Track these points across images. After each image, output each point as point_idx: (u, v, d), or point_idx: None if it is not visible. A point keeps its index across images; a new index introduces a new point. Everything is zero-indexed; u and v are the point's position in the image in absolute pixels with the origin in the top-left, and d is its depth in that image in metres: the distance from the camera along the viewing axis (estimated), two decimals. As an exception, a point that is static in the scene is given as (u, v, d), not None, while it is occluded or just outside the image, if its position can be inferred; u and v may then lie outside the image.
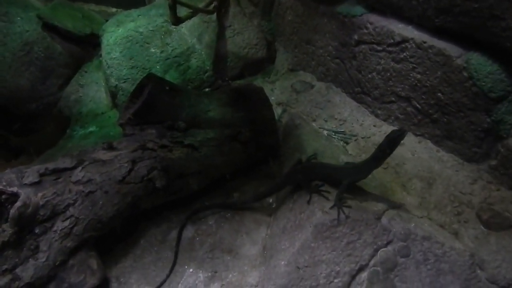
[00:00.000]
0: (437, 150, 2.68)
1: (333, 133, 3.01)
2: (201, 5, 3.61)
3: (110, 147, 2.45)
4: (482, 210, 2.27)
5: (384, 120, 2.98)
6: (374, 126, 3.01)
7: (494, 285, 1.95)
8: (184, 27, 3.76)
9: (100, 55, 3.88)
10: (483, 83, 2.24)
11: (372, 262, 1.99)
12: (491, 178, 2.43)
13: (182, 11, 3.43)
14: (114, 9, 4.79)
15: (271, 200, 2.62)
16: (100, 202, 2.21)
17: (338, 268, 1.97)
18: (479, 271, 1.99)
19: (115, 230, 2.31)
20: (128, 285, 2.18)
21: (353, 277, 1.97)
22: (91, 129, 3.61)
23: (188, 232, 2.47)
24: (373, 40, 2.83)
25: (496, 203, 2.30)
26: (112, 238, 2.35)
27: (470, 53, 2.32)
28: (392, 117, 2.91)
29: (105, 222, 2.21)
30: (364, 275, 1.97)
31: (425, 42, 2.48)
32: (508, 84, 2.18)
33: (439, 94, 2.50)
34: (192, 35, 3.74)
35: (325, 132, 3.02)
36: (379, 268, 1.97)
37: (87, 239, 2.15)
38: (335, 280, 1.95)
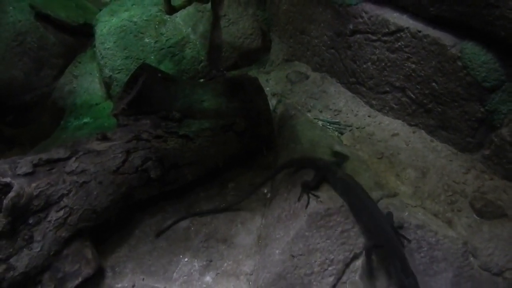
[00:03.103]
0: (431, 140, 2.69)
1: (328, 124, 3.01)
2: (195, -6, 3.58)
3: (104, 138, 2.44)
4: (475, 199, 2.28)
5: (379, 111, 2.98)
6: (368, 116, 3.01)
7: (487, 272, 1.97)
8: (179, 16, 3.73)
9: (94, 45, 3.84)
10: (477, 73, 2.24)
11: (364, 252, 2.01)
12: (485, 167, 2.44)
13: (176, 1, 3.40)
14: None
15: (266, 191, 2.62)
16: (95, 193, 2.21)
17: (332, 256, 1.98)
18: (472, 259, 2.01)
19: (110, 220, 2.31)
20: (123, 275, 2.19)
21: (347, 265, 1.98)
22: (85, 120, 3.59)
23: (183, 222, 2.47)
24: (368, 30, 2.82)
25: (489, 192, 2.31)
26: (107, 229, 2.35)
27: (464, 42, 2.31)
28: (387, 107, 2.91)
29: (99, 212, 2.21)
30: (358, 263, 1.99)
31: (420, 31, 2.47)
32: (502, 73, 2.18)
33: (433, 84, 2.50)
34: (186, 25, 3.71)
35: (320, 123, 3.02)
36: (373, 256, 1.99)
37: (82, 229, 2.15)
38: (329, 268, 1.97)
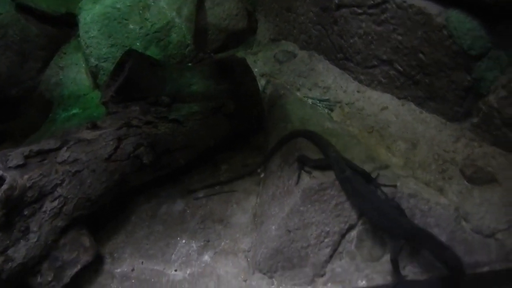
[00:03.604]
0: (420, 111, 2.72)
1: (318, 101, 3.01)
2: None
3: (94, 126, 2.43)
4: (465, 167, 2.32)
5: (368, 85, 2.99)
6: (357, 91, 3.02)
7: (479, 235, 2.02)
8: (163, 0, 3.68)
9: (78, 35, 3.77)
10: (463, 41, 2.25)
11: (360, 221, 2.04)
12: (474, 135, 2.47)
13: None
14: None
15: (259, 170, 2.64)
16: (88, 181, 2.20)
17: (328, 229, 2.01)
18: (464, 223, 2.06)
19: (105, 207, 2.32)
20: (122, 260, 2.21)
21: (343, 235, 2.01)
22: (74, 111, 3.55)
23: (178, 206, 2.48)
24: (353, 3, 2.81)
25: (479, 159, 2.35)
26: (103, 216, 2.36)
27: (449, 10, 2.31)
28: (375, 82, 2.92)
29: (94, 200, 2.21)
30: (353, 233, 2.02)
31: (405, 1, 2.47)
32: (487, 40, 2.19)
33: (420, 55, 2.51)
34: (171, 9, 3.66)
35: (310, 101, 3.03)
36: (368, 226, 2.02)
37: (78, 217, 2.15)
38: (326, 240, 2.00)
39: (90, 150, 2.26)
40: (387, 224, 1.88)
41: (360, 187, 1.99)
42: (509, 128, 2.24)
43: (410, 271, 1.90)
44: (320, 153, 2.33)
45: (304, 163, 2.25)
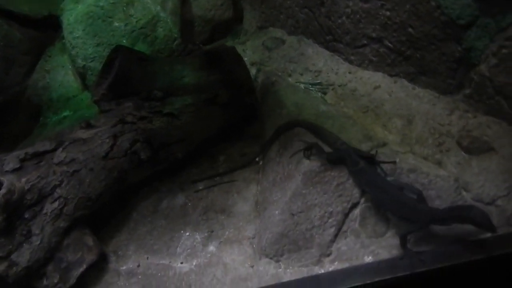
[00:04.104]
0: (413, 87, 2.72)
1: (310, 86, 3.01)
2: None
3: (89, 125, 2.41)
4: (461, 138, 2.34)
5: (359, 66, 2.99)
6: (349, 73, 3.02)
7: (480, 203, 2.03)
8: (146, -5, 3.64)
9: (62, 37, 3.72)
10: (451, 10, 2.25)
11: (363, 199, 2.05)
12: (467, 106, 2.48)
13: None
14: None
15: (257, 159, 2.63)
16: (87, 180, 2.19)
17: (331, 209, 2.02)
18: (464, 193, 2.08)
19: (106, 206, 2.31)
20: (127, 257, 2.20)
21: (346, 215, 2.02)
22: (64, 114, 3.52)
23: (179, 199, 2.48)
24: (339, -18, 2.80)
25: (474, 129, 2.37)
26: (104, 215, 2.35)
27: (436, -19, 2.31)
28: (366, 61, 2.92)
29: (94, 199, 2.20)
30: (356, 211, 2.03)
31: (391, -24, 2.47)
32: (475, 8, 2.19)
33: (409, 29, 2.51)
34: (155, 3, 3.61)
35: (302, 86, 3.02)
36: (370, 204, 2.03)
37: (79, 217, 2.14)
38: (330, 220, 2.01)
39: (86, 149, 2.24)
40: (407, 214, 1.85)
41: (376, 179, 1.97)
42: (502, 96, 2.26)
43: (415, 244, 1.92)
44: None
45: (311, 153, 2.21)
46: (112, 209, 2.39)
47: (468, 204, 1.79)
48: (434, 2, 2.29)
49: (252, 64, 3.38)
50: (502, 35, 2.16)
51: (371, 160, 2.11)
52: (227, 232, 2.22)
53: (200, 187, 2.52)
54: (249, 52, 3.54)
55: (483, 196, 2.05)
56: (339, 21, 2.94)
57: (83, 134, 2.36)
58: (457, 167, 2.20)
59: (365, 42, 2.84)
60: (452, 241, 1.82)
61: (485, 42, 2.23)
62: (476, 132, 2.34)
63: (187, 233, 2.26)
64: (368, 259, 1.91)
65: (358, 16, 2.78)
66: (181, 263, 2.13)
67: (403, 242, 1.83)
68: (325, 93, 2.93)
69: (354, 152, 2.10)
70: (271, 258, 2.01)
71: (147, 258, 2.18)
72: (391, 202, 1.89)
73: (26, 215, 1.99)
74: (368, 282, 1.68)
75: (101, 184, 2.23)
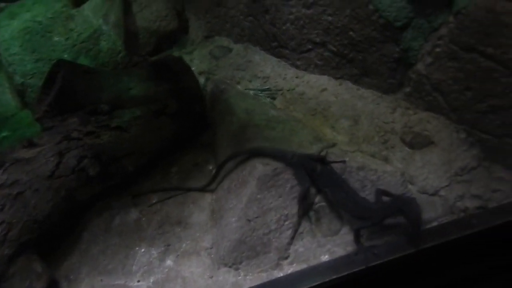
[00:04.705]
0: (357, 88, 2.83)
1: (259, 92, 3.05)
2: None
3: (31, 144, 2.30)
4: (404, 134, 2.46)
5: (305, 70, 3.06)
6: (296, 77, 3.09)
7: (425, 195, 2.15)
8: (86, 8, 3.53)
9: (-3, 55, 3.53)
10: (388, 13, 2.37)
11: (317, 199, 2.09)
12: (408, 104, 2.61)
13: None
14: (2, 4, 4.33)
15: (211, 167, 2.61)
16: (32, 202, 2.08)
17: (287, 212, 2.05)
18: (410, 186, 2.19)
19: (55, 227, 2.19)
20: (79, 281, 2.09)
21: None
22: (3, 134, 3.31)
23: (132, 215, 2.40)
24: (281, -11, 2.86)
25: (416, 125, 2.49)
26: (53, 237, 2.22)
27: (372, -15, 2.42)
28: (312, 65, 3.00)
29: (41, 222, 2.08)
30: (311, 212, 2.07)
31: (330, -18, 2.56)
32: (410, 10, 2.31)
33: (351, 33, 2.61)
34: (96, 16, 3.52)
35: (251, 92, 3.05)
36: (324, 203, 2.08)
37: (26, 242, 2.02)
38: (286, 223, 2.03)
39: (30, 169, 2.13)
40: (361, 212, 1.93)
41: (334, 181, 2.03)
42: (438, 92, 2.40)
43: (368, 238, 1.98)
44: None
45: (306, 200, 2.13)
46: (62, 230, 2.27)
47: (408, 197, 1.89)
48: (372, 5, 2.40)
49: (200, 73, 3.37)
50: (435, 35, 2.30)
51: (322, 161, 2.16)
52: (184, 245, 2.18)
53: (154, 201, 2.46)
54: (196, 61, 3.53)
55: (427, 188, 2.17)
56: (284, 27, 3.01)
57: (26, 153, 2.24)
58: (402, 162, 2.31)
59: (309, 47, 2.92)
60: (400, 232, 1.90)
61: (420, 42, 2.36)
62: (417, 128, 2.47)
63: (143, 249, 2.19)
64: (325, 257, 1.95)
65: (301, 22, 2.86)
66: (138, 281, 2.05)
67: (357, 238, 1.89)
68: (274, 98, 2.97)
69: (306, 158, 2.14)
70: (230, 267, 1.99)
71: (101, 280, 2.08)
72: (347, 201, 1.96)
73: (-35, 246, 1.86)
74: (327, 280, 1.71)
75: (48, 205, 2.12)
